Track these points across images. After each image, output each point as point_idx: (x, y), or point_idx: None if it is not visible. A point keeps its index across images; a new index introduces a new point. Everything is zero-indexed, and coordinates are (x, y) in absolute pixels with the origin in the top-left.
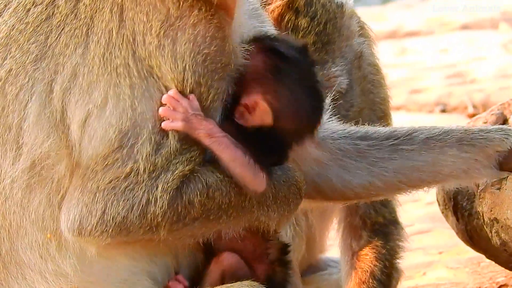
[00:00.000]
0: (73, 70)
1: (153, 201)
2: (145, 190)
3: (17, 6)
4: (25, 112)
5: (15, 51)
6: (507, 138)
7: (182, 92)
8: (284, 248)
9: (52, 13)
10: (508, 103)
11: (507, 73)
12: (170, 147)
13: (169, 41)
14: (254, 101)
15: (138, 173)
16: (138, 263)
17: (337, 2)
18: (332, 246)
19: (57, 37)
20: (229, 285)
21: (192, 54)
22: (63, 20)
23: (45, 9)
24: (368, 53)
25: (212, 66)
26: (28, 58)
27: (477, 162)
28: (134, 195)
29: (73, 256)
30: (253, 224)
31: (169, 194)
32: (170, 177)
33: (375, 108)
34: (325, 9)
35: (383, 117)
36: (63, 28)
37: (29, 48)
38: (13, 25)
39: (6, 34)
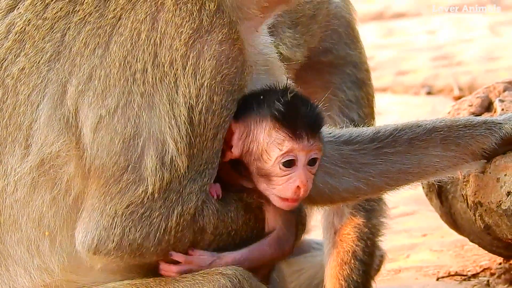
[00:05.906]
0: (90, 73)
1: (168, 230)
2: (161, 218)
3: (34, 0)
4: (36, 114)
5: (29, 49)
6: (491, 134)
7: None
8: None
9: (73, 10)
10: (493, 86)
11: (493, 55)
12: (178, 165)
13: (194, 53)
14: None
15: (151, 195)
16: None
17: None
18: (316, 227)
19: (75, 36)
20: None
21: (213, 72)
22: (85, 18)
23: (66, 6)
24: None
25: (228, 87)
26: (42, 58)
27: (463, 159)
28: (151, 222)
29: (64, 253)
30: None
31: (185, 221)
32: (185, 207)
33: (343, 63)
34: None
35: (358, 83)
36: (83, 26)
37: (44, 46)
38: (29, 20)
39: (21, 29)
